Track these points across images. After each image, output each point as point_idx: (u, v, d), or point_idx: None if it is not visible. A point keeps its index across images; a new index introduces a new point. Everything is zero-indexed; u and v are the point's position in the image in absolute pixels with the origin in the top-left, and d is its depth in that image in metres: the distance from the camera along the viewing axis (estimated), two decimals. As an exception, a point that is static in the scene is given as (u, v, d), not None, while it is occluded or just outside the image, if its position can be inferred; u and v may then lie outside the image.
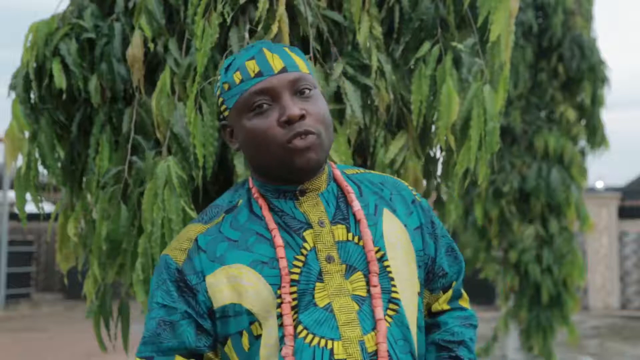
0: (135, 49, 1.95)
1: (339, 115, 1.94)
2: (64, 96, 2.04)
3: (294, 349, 1.16)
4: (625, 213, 14.63)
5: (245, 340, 1.20)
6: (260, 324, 1.19)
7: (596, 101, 6.36)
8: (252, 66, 1.24)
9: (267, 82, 1.22)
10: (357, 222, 1.25)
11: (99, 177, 2.00)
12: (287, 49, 1.28)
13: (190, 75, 1.90)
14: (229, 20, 1.85)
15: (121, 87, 2.02)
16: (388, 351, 1.18)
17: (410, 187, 1.39)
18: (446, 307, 1.39)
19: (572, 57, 6.23)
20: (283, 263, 1.20)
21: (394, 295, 1.22)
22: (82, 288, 2.13)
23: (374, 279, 1.21)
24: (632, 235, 14.47)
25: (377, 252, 1.24)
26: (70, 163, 2.16)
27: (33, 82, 2.04)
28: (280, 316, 1.18)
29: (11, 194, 14.25)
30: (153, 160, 1.90)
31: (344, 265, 1.22)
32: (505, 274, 6.21)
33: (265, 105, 1.22)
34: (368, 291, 1.21)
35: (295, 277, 1.20)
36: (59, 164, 2.13)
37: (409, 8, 2.02)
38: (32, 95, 2.08)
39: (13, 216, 15.74)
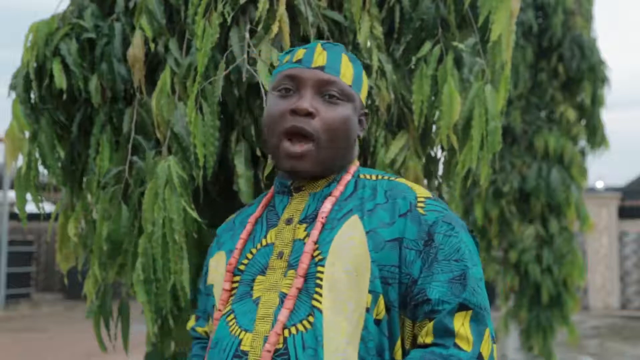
0: (135, 49, 1.95)
1: (340, 115, 1.94)
2: (64, 96, 2.04)
3: (214, 333, 1.26)
4: (625, 213, 14.64)
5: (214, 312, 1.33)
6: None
7: (596, 101, 6.36)
8: (299, 53, 1.30)
9: (299, 70, 1.27)
10: (315, 223, 1.25)
11: (100, 177, 2.00)
12: (345, 56, 1.32)
13: (190, 75, 1.90)
14: (229, 20, 1.85)
15: (121, 87, 2.02)
16: (272, 356, 1.14)
17: (423, 198, 1.25)
18: (428, 341, 1.15)
19: (572, 57, 6.23)
20: (235, 254, 1.29)
21: (314, 302, 1.16)
22: (82, 288, 2.13)
23: (296, 281, 1.19)
24: (632, 235, 14.47)
25: (317, 255, 1.20)
26: (70, 163, 2.16)
27: (33, 82, 2.04)
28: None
29: (11, 194, 14.26)
30: (153, 160, 1.90)
31: (287, 262, 1.23)
32: (505, 274, 6.21)
33: (290, 91, 1.27)
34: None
35: (242, 267, 1.27)
36: (59, 164, 2.13)
37: (410, 8, 2.02)
38: (32, 95, 2.08)
39: (13, 216, 15.74)
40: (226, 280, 1.27)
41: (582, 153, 6.54)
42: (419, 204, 1.24)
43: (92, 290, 2.06)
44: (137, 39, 1.96)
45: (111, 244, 1.94)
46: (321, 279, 1.17)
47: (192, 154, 1.85)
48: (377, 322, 1.17)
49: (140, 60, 1.96)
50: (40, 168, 2.11)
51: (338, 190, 1.28)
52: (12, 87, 2.09)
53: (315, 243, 1.21)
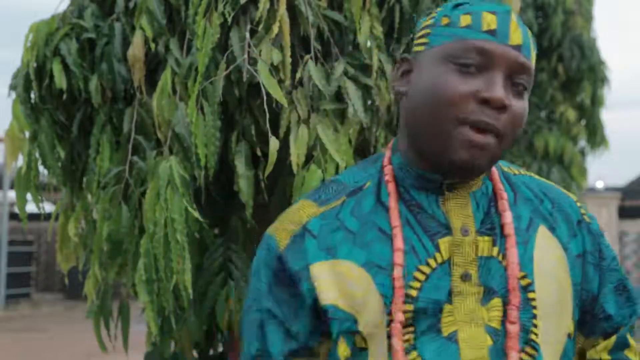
0: (136, 49, 1.95)
1: (340, 115, 1.93)
2: (65, 96, 2.03)
3: None
4: (625, 213, 14.64)
5: (343, 348, 0.99)
6: (365, 339, 0.98)
7: (596, 101, 6.37)
8: (489, 19, 0.98)
9: (495, 46, 0.96)
10: (503, 236, 0.99)
11: (100, 177, 2.00)
12: (529, 33, 1.02)
13: (191, 75, 1.90)
14: (230, 20, 1.85)
15: (122, 87, 2.02)
16: None
17: (579, 203, 1.09)
18: (605, 357, 1.06)
19: (572, 57, 6.23)
20: (398, 272, 0.96)
21: (532, 337, 0.97)
22: (82, 288, 2.12)
23: (513, 314, 0.95)
24: (632, 235, 14.47)
25: (522, 278, 0.98)
26: (70, 163, 2.16)
27: (33, 82, 2.03)
28: (389, 337, 0.96)
29: (11, 194, 14.25)
30: (155, 160, 1.90)
31: (482, 288, 0.97)
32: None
33: (472, 67, 0.96)
34: (502, 323, 0.96)
35: (413, 292, 0.96)
36: (59, 164, 2.13)
37: (410, 8, 2.02)
38: (32, 95, 2.08)
39: (13, 216, 15.73)
40: (398, 310, 0.95)
41: (582, 153, 6.55)
42: (582, 211, 1.08)
43: (93, 290, 2.06)
44: (137, 39, 1.95)
45: (111, 244, 1.94)
46: (536, 308, 0.98)
47: (194, 154, 1.85)
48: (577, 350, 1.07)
49: (140, 60, 1.95)
50: (40, 168, 2.11)
51: (499, 189, 1.03)
52: (12, 87, 2.09)
53: (518, 263, 0.99)
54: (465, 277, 0.97)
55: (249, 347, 1.04)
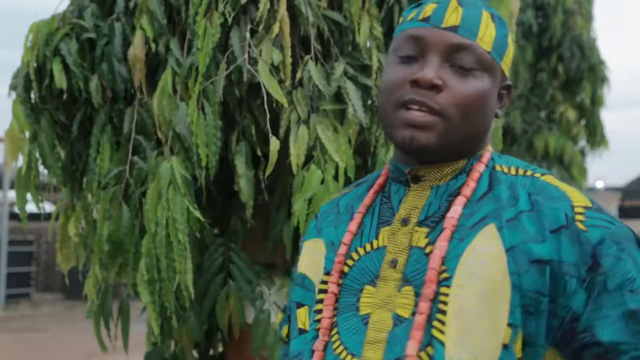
0: (136, 49, 1.95)
1: (340, 115, 1.93)
2: (65, 96, 2.04)
3: (325, 345, 1.01)
4: (625, 213, 14.64)
5: (302, 313, 1.09)
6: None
7: (596, 101, 6.37)
8: (427, 9, 1.03)
9: (425, 31, 1.00)
10: (441, 230, 0.99)
11: (100, 177, 2.00)
12: (487, 13, 1.03)
13: (192, 75, 1.90)
14: (230, 20, 1.85)
15: (122, 87, 2.02)
16: None
17: (582, 208, 0.97)
18: None
19: (572, 57, 6.24)
20: (343, 249, 1.04)
21: (435, 332, 0.94)
22: (82, 288, 2.13)
23: (422, 305, 0.94)
24: (632, 235, 14.49)
25: (441, 272, 0.96)
26: (70, 163, 2.16)
27: (33, 82, 2.04)
28: (319, 302, 1.04)
29: (11, 194, 14.24)
30: (156, 160, 1.90)
31: (401, 275, 0.99)
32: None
33: (411, 58, 1.01)
34: (413, 314, 0.96)
35: (345, 269, 1.04)
36: (60, 164, 2.13)
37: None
38: (32, 95, 2.08)
39: (13, 216, 15.73)
40: (333, 282, 1.03)
41: (582, 153, 6.55)
42: (578, 217, 0.96)
43: (93, 290, 2.06)
44: (137, 39, 1.96)
45: (112, 244, 1.94)
46: (446, 303, 0.94)
47: (195, 154, 1.85)
48: None
49: (140, 60, 1.95)
50: (41, 168, 2.11)
51: (469, 187, 1.01)
52: (12, 87, 2.09)
53: (442, 257, 0.97)
54: (392, 264, 1.01)
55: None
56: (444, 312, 0.94)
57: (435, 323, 0.94)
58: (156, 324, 1.87)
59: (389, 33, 2.08)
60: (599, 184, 18.32)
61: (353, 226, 1.06)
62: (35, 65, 2.04)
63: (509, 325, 0.93)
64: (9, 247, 14.29)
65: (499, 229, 0.97)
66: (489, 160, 1.05)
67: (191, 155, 1.87)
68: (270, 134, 1.80)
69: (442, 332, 0.93)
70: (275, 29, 1.82)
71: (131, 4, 2.09)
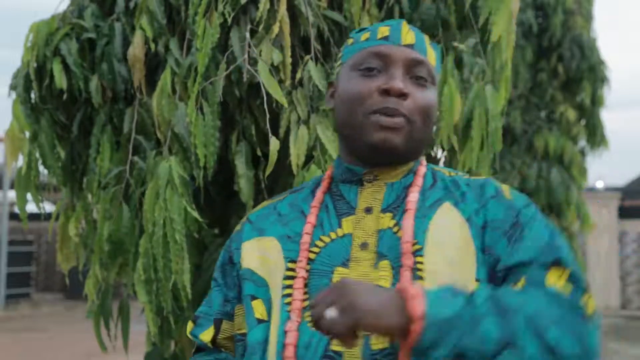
0: (136, 49, 1.95)
1: (340, 115, 1.93)
2: (65, 96, 2.04)
3: (298, 325, 1.09)
4: (625, 213, 14.64)
5: (258, 304, 1.16)
6: (271, 305, 1.15)
7: (596, 101, 6.37)
8: (383, 30, 1.19)
9: (389, 48, 1.16)
10: (405, 212, 1.13)
11: (100, 178, 2.00)
12: (426, 38, 1.22)
13: (191, 75, 1.90)
14: (229, 20, 1.85)
15: (122, 87, 2.02)
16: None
17: (506, 188, 1.18)
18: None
19: (572, 57, 6.24)
20: (305, 238, 1.15)
21: None
22: (82, 288, 2.13)
23: (406, 274, 1.06)
24: (632, 235, 14.47)
25: (413, 244, 1.09)
26: (70, 163, 2.16)
27: (33, 82, 2.04)
28: (288, 287, 1.13)
29: (11, 194, 14.24)
30: (154, 160, 1.90)
31: (376, 254, 1.11)
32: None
33: (374, 70, 1.16)
34: (393, 284, 1.07)
35: (312, 256, 1.14)
36: (60, 164, 2.13)
37: (409, 8, 2.02)
38: (32, 96, 2.08)
39: (13, 216, 15.73)
40: (302, 267, 1.12)
41: (582, 153, 6.55)
42: (504, 191, 1.17)
43: (93, 290, 2.06)
44: (137, 39, 1.96)
45: (112, 244, 1.94)
46: (422, 270, 1.07)
47: (193, 154, 1.85)
48: None
49: (140, 60, 1.96)
50: (41, 168, 2.11)
51: (419, 180, 1.18)
52: (12, 87, 2.09)
53: (412, 232, 1.10)
54: (363, 246, 1.13)
55: (199, 307, 1.29)
56: (421, 278, 1.07)
57: None
58: (153, 324, 1.87)
59: (388, 33, 2.08)
60: (599, 184, 18.31)
61: (312, 218, 1.17)
62: (35, 65, 2.04)
63: (477, 280, 1.07)
64: (9, 247, 14.29)
65: (455, 205, 1.14)
66: (427, 164, 1.24)
67: (190, 155, 1.87)
68: (270, 134, 1.80)
69: None
70: (275, 29, 1.82)
71: (131, 4, 2.09)
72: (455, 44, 2.00)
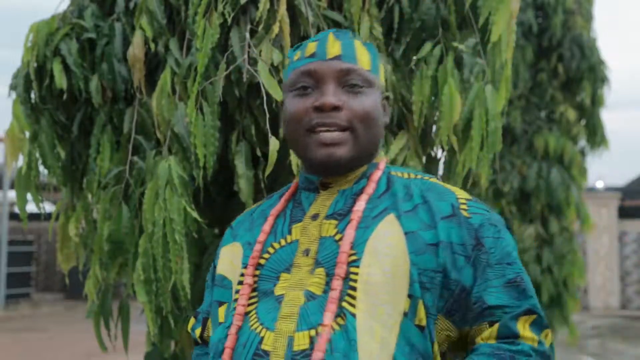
0: (136, 49, 1.95)
1: (340, 115, 1.93)
2: (65, 96, 2.04)
3: (238, 328, 1.17)
4: (625, 213, 14.63)
5: (222, 310, 1.26)
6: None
7: (596, 101, 6.36)
8: (310, 47, 1.24)
9: (316, 64, 1.21)
10: (349, 221, 1.17)
11: (100, 177, 2.00)
12: (356, 41, 1.25)
13: (191, 75, 1.90)
14: (229, 20, 1.85)
15: (122, 87, 2.02)
16: None
17: (464, 200, 1.20)
18: (492, 342, 1.13)
19: (572, 57, 6.23)
20: (257, 247, 1.22)
21: (345, 305, 1.10)
22: (82, 288, 2.13)
23: (335, 282, 1.11)
24: (632, 235, 14.47)
25: (350, 255, 1.13)
26: (70, 163, 2.16)
27: (34, 82, 2.04)
28: (237, 292, 1.21)
29: (11, 194, 14.24)
30: (154, 160, 1.90)
31: (314, 260, 1.16)
32: (505, 274, 6.19)
33: (308, 89, 1.21)
34: (325, 291, 1.13)
35: (262, 262, 1.21)
36: (60, 164, 2.13)
37: (409, 8, 2.02)
38: (32, 96, 2.08)
39: (13, 216, 15.73)
40: (249, 275, 1.20)
41: (582, 153, 6.54)
42: (462, 207, 1.18)
43: (93, 290, 2.06)
44: (137, 39, 1.96)
45: (112, 244, 1.94)
46: (355, 281, 1.11)
47: (193, 154, 1.85)
48: (421, 328, 1.12)
49: (140, 60, 1.96)
50: (41, 168, 2.11)
51: (370, 187, 1.21)
52: (13, 87, 2.09)
53: (351, 242, 1.14)
54: (305, 253, 1.18)
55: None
56: (354, 289, 1.11)
57: (347, 298, 1.11)
58: (153, 324, 1.87)
59: (388, 33, 2.08)
60: (599, 184, 18.31)
61: (266, 226, 1.24)
62: (35, 65, 2.04)
63: (409, 296, 1.11)
64: (9, 247, 14.29)
65: (398, 218, 1.16)
66: (385, 167, 1.26)
67: (189, 155, 1.88)
68: (270, 134, 1.80)
69: (353, 305, 1.10)
70: (275, 29, 1.82)
71: (131, 4, 2.09)
72: (455, 44, 2.00)
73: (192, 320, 1.38)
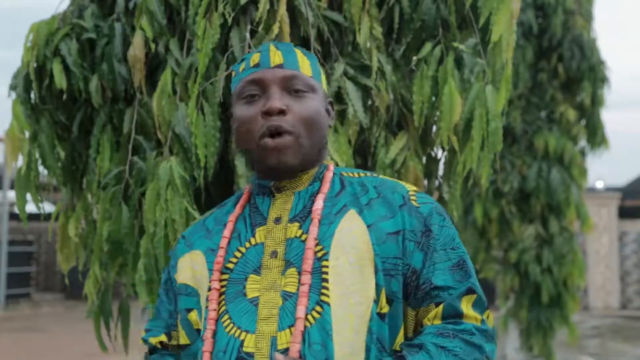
0: (136, 49, 1.95)
1: (340, 115, 1.94)
2: (65, 96, 2.04)
3: (213, 332, 1.22)
4: (625, 213, 14.64)
5: (193, 315, 1.31)
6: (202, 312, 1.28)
7: (596, 101, 6.36)
8: (254, 58, 1.32)
9: (260, 73, 1.29)
10: (311, 220, 1.25)
11: (100, 178, 2.00)
12: (297, 50, 1.34)
13: (191, 75, 1.90)
14: (230, 20, 1.85)
15: (122, 88, 2.02)
16: (300, 353, 1.14)
17: (413, 192, 1.30)
18: (436, 323, 1.22)
19: (572, 57, 6.23)
20: (221, 252, 1.27)
21: (322, 297, 1.17)
22: (82, 288, 2.12)
23: (304, 277, 1.18)
24: (632, 235, 14.47)
25: (319, 250, 1.21)
26: (70, 163, 2.16)
27: (33, 83, 2.03)
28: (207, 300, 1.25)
29: (11, 194, 14.25)
30: (155, 160, 1.90)
31: (284, 262, 1.23)
32: (505, 274, 6.21)
33: (255, 96, 1.28)
34: (298, 289, 1.19)
35: (230, 265, 1.26)
36: (60, 164, 2.13)
37: (409, 8, 2.02)
38: (32, 96, 2.08)
39: (13, 216, 15.73)
40: (215, 279, 1.25)
41: (582, 153, 6.54)
42: (412, 197, 1.29)
43: (93, 290, 2.06)
44: (137, 39, 1.96)
45: (112, 244, 1.94)
46: (327, 273, 1.19)
47: (194, 155, 1.85)
48: (382, 315, 1.20)
49: (140, 60, 1.96)
50: (41, 168, 2.11)
51: (325, 187, 1.29)
52: (12, 87, 2.09)
53: (316, 239, 1.22)
54: (273, 255, 1.24)
55: (148, 323, 1.41)
56: (327, 281, 1.18)
57: (322, 291, 1.18)
58: (156, 324, 1.87)
59: (389, 33, 2.08)
60: (599, 184, 18.32)
61: (227, 232, 1.29)
62: (35, 65, 2.04)
63: (376, 284, 1.19)
64: (9, 247, 14.29)
65: (359, 212, 1.25)
66: (334, 169, 1.34)
67: (190, 155, 1.88)
68: (270, 134, 1.80)
69: (327, 296, 1.17)
70: (275, 29, 1.82)
71: (131, 4, 2.09)
72: (456, 44, 2.00)
73: (143, 333, 1.41)
